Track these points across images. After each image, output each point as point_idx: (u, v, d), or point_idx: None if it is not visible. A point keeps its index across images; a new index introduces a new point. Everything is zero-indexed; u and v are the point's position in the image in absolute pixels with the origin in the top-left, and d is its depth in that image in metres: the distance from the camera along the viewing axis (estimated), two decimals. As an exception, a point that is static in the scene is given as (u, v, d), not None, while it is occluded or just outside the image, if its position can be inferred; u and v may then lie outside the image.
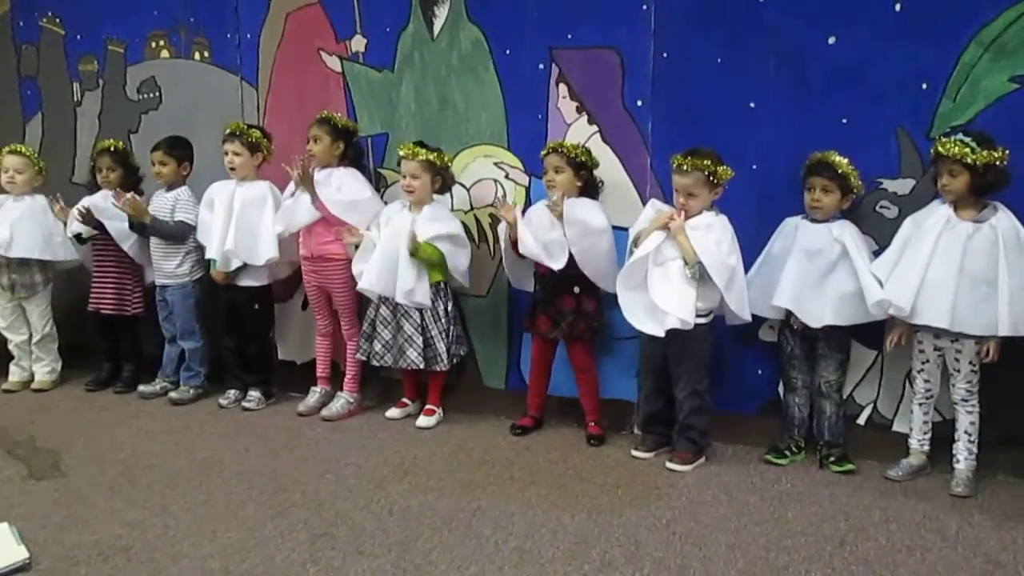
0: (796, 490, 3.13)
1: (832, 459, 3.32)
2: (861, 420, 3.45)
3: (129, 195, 4.04)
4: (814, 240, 3.22)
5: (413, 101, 3.98)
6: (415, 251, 3.61)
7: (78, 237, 4.25)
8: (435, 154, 3.70)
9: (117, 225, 4.14)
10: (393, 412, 3.94)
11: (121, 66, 4.58)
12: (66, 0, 4.63)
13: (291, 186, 3.90)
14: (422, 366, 3.74)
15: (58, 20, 4.68)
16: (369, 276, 3.68)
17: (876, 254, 3.23)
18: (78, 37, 4.65)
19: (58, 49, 4.71)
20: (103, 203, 4.17)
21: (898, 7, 3.17)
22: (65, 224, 4.25)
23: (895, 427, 3.39)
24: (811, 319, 3.22)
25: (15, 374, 4.47)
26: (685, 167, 3.18)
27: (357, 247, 3.76)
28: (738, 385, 3.58)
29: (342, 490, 3.12)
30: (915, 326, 3.13)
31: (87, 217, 4.12)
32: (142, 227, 4.09)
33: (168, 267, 4.15)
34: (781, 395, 3.50)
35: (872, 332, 3.31)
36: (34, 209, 4.30)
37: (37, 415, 4.01)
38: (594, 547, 2.68)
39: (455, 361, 3.84)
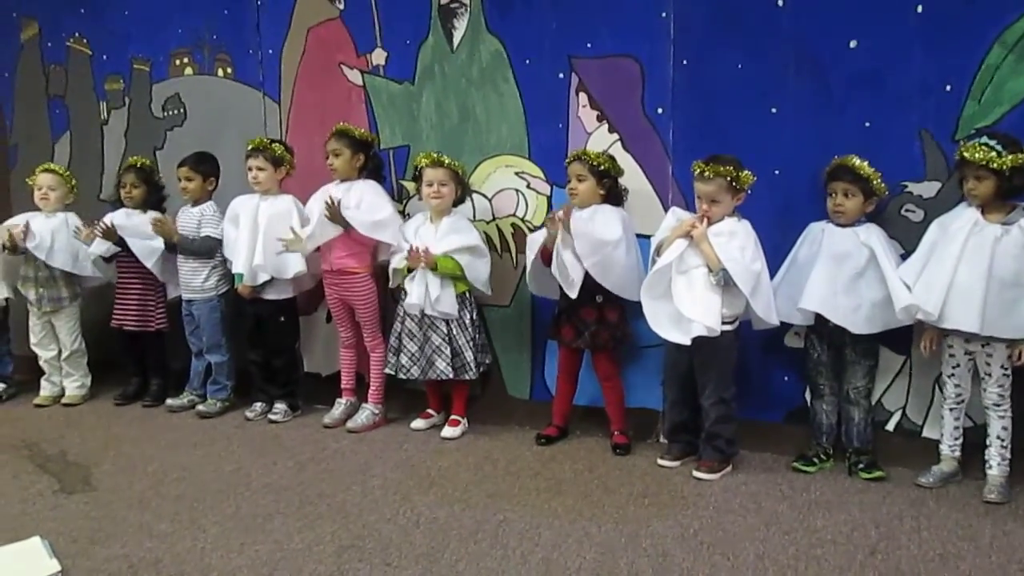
0: (825, 498, 3.10)
1: (861, 466, 3.29)
2: (890, 426, 3.41)
3: (155, 216, 4.08)
4: (841, 244, 3.19)
5: (434, 113, 4.00)
6: (434, 267, 3.63)
7: (102, 256, 4.31)
8: (457, 163, 3.73)
9: (139, 242, 4.20)
10: (418, 423, 3.95)
11: (146, 84, 4.64)
12: (93, 20, 4.71)
13: (315, 203, 3.92)
14: (451, 376, 3.75)
15: (85, 40, 4.76)
16: (411, 296, 3.70)
17: (903, 258, 3.19)
18: (104, 57, 4.73)
19: (85, 69, 4.79)
20: (125, 221, 4.23)
21: (919, 9, 3.15)
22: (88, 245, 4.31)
23: (925, 433, 3.35)
24: (844, 322, 3.18)
25: (46, 389, 4.53)
26: (707, 174, 3.17)
27: (411, 270, 3.72)
28: (765, 392, 3.55)
29: (368, 502, 3.13)
30: (945, 330, 3.09)
31: (109, 233, 4.18)
32: (172, 246, 4.14)
33: (195, 282, 4.19)
34: (808, 402, 3.47)
35: (900, 337, 3.28)
36: (67, 225, 4.38)
37: (68, 429, 4.06)
38: (621, 558, 2.67)
39: (481, 370, 3.84)
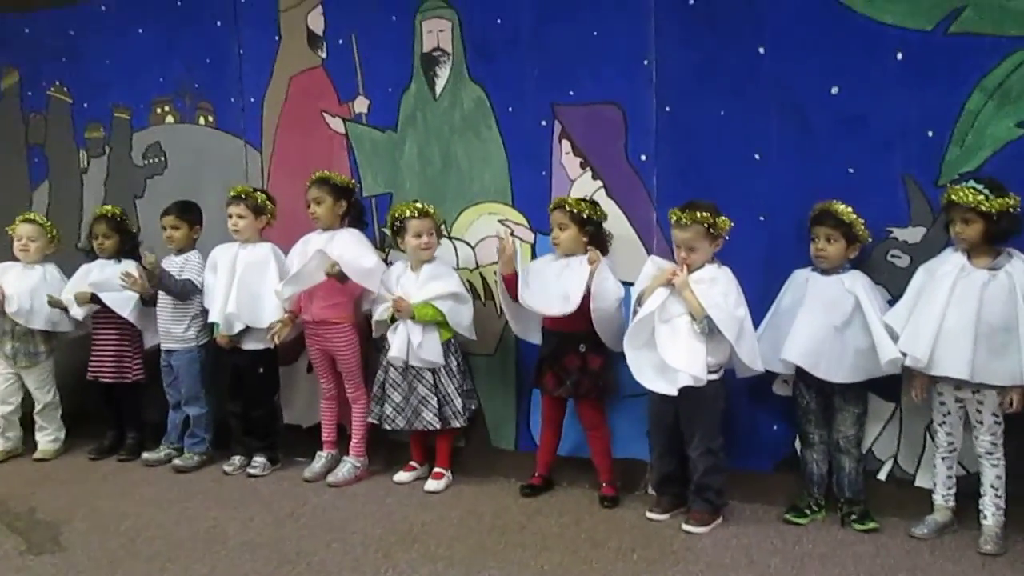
0: (818, 551, 3.03)
1: (854, 517, 3.22)
2: (882, 475, 3.35)
3: (123, 272, 4.04)
4: (826, 292, 3.16)
5: (417, 160, 3.98)
6: (412, 316, 3.58)
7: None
8: (435, 211, 3.72)
9: (113, 296, 4.13)
10: (401, 476, 3.86)
11: (127, 132, 4.61)
12: (74, 69, 4.68)
13: (296, 252, 3.87)
14: (439, 427, 3.68)
15: (66, 89, 4.74)
16: (393, 347, 3.64)
17: (889, 304, 3.17)
18: (85, 105, 4.69)
19: (65, 117, 4.76)
20: (99, 276, 4.17)
21: (899, 56, 3.17)
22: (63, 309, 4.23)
23: (918, 482, 3.29)
24: (828, 375, 3.14)
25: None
26: (684, 221, 3.15)
27: (393, 320, 3.68)
28: (753, 441, 3.49)
29: (349, 560, 3.03)
30: (934, 377, 3.05)
31: (83, 298, 4.12)
32: (151, 296, 4.08)
33: (176, 331, 4.11)
34: (798, 451, 3.40)
35: (889, 384, 3.23)
36: (46, 279, 4.30)
37: (39, 486, 3.93)
38: (609, 617, 2.58)
39: (468, 415, 3.77)
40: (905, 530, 3.13)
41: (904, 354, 3.01)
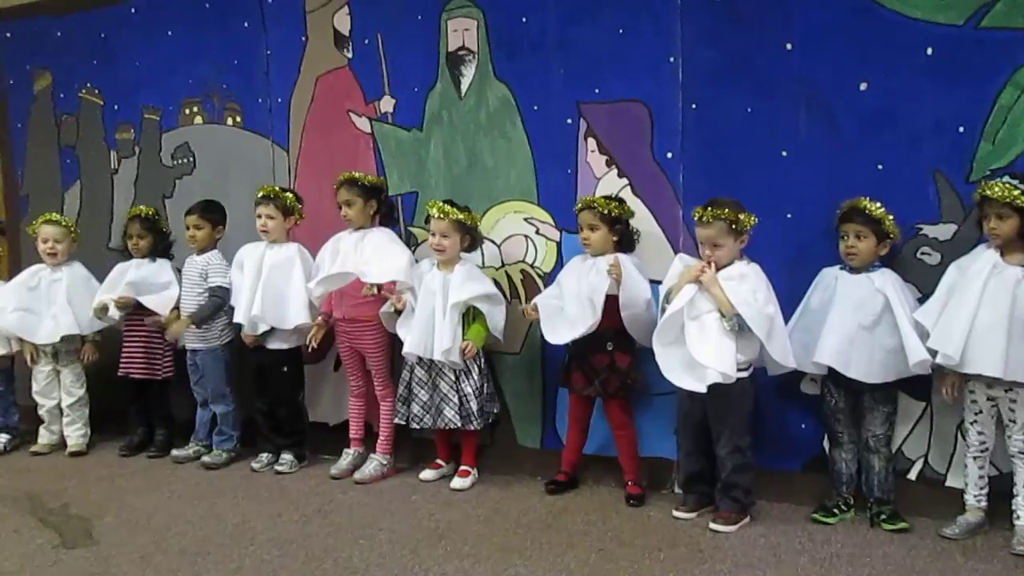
0: (847, 551, 2.99)
1: (884, 517, 3.18)
2: (912, 475, 3.31)
3: (158, 321, 4.16)
4: (855, 291, 3.13)
5: (442, 159, 3.99)
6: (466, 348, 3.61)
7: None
8: (464, 213, 3.68)
9: (153, 298, 4.21)
10: (427, 474, 3.87)
11: (156, 133, 4.67)
12: (105, 71, 4.75)
13: (328, 250, 3.90)
14: (459, 425, 3.68)
15: (97, 91, 4.80)
16: (411, 340, 3.65)
17: (919, 302, 3.13)
18: (115, 107, 4.76)
19: (96, 119, 4.83)
20: (135, 275, 4.24)
21: (929, 51, 3.13)
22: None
23: (949, 482, 3.25)
24: (859, 374, 3.11)
25: (44, 437, 4.49)
26: (706, 218, 3.14)
27: (399, 312, 3.72)
28: (781, 440, 3.46)
29: (375, 556, 3.05)
30: (966, 376, 3.01)
31: (125, 302, 4.19)
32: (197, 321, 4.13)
33: (199, 330, 4.15)
34: (827, 450, 3.37)
35: (920, 383, 3.19)
36: (74, 281, 4.39)
37: (71, 481, 3.99)
38: (637, 615, 2.57)
39: (488, 420, 3.77)
40: (936, 531, 3.09)
41: (935, 352, 2.98)
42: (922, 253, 3.21)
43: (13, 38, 4.98)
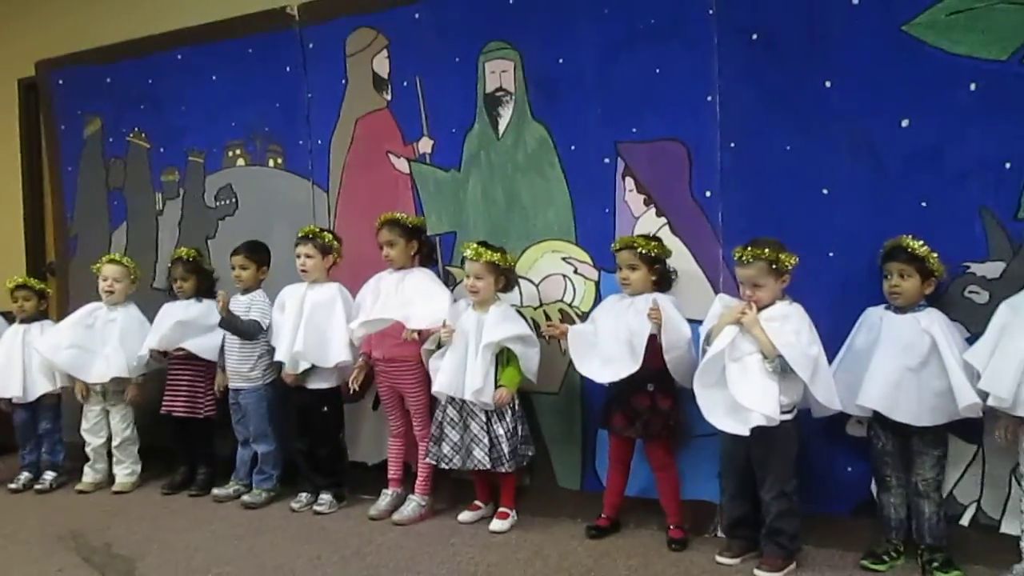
0: (898, 600, 2.91)
1: (936, 565, 3.07)
2: (964, 521, 3.20)
3: (221, 294, 4.16)
4: (901, 332, 3.06)
5: (480, 199, 4.01)
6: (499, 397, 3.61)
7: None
8: (499, 255, 3.68)
9: (198, 341, 4.29)
10: (466, 515, 3.84)
11: (200, 175, 4.77)
12: (153, 116, 4.88)
13: (369, 289, 3.93)
14: (489, 466, 3.66)
15: (144, 135, 4.93)
16: (441, 379, 3.65)
17: (968, 342, 3.05)
18: (162, 150, 4.88)
19: (143, 162, 4.95)
20: (183, 315, 4.31)
21: (973, 87, 3.08)
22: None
23: (1003, 528, 3.13)
24: (906, 418, 3.03)
25: (89, 476, 4.55)
26: (746, 258, 3.10)
27: (439, 346, 3.73)
28: (828, 484, 3.38)
29: (414, 601, 3.02)
30: (1020, 418, 2.92)
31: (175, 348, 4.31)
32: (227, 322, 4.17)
33: (243, 370, 4.20)
34: (875, 494, 3.28)
35: (970, 425, 3.10)
36: (129, 323, 4.48)
37: (115, 519, 4.03)
38: (680, 667, 2.51)
39: (522, 463, 3.74)
40: (992, 579, 2.99)
41: (986, 394, 2.89)
42: (970, 292, 3.14)
43: (65, 85, 5.15)
